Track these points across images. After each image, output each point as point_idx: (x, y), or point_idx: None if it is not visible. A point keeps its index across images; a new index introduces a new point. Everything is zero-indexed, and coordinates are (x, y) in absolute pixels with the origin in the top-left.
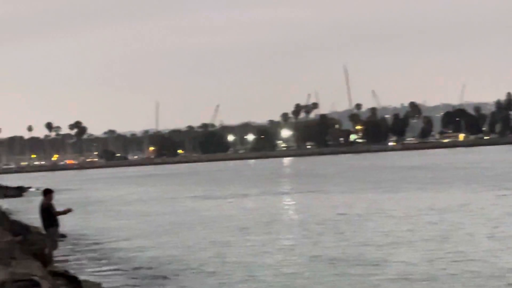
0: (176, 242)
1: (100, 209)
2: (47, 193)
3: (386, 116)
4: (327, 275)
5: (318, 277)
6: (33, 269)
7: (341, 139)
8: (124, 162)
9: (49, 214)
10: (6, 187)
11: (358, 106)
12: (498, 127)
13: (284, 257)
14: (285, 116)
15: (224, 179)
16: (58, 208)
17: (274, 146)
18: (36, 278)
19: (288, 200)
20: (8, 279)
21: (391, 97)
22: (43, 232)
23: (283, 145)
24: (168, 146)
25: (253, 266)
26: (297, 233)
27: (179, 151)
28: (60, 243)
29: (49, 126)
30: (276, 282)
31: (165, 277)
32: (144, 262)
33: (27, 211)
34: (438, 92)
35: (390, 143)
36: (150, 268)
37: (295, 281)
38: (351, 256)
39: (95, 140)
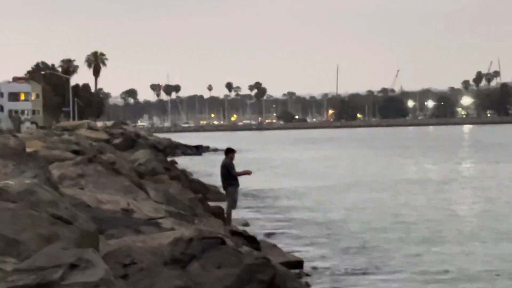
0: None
1: (283, 171)
2: (229, 152)
3: None
4: None
5: None
6: (215, 227)
7: None
8: (303, 124)
9: (229, 173)
10: (186, 146)
11: None
12: None
13: None
14: (466, 83)
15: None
16: (238, 168)
17: (454, 113)
18: (222, 236)
19: None
20: (196, 236)
21: None
22: (223, 191)
23: (463, 112)
24: (347, 110)
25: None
26: None
27: (358, 115)
28: (239, 203)
29: (229, 86)
30: None
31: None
32: (320, 226)
33: (206, 170)
34: None
35: None
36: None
37: None
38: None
39: (274, 101)
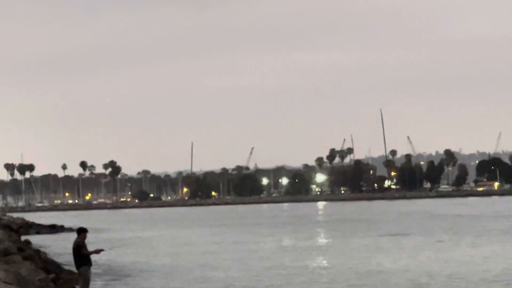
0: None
1: (133, 249)
2: (81, 232)
3: (421, 163)
4: None
5: None
6: None
7: (376, 185)
8: (158, 202)
9: (81, 253)
10: (41, 225)
11: (393, 152)
12: None
13: None
14: (319, 160)
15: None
16: (91, 247)
17: (308, 190)
18: None
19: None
20: None
21: (426, 144)
22: (75, 271)
23: (317, 189)
24: (202, 188)
25: None
26: None
27: (213, 193)
28: (93, 283)
29: (83, 165)
30: None
31: None
32: None
33: (60, 250)
34: (474, 140)
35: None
36: None
37: None
38: None
39: (129, 180)
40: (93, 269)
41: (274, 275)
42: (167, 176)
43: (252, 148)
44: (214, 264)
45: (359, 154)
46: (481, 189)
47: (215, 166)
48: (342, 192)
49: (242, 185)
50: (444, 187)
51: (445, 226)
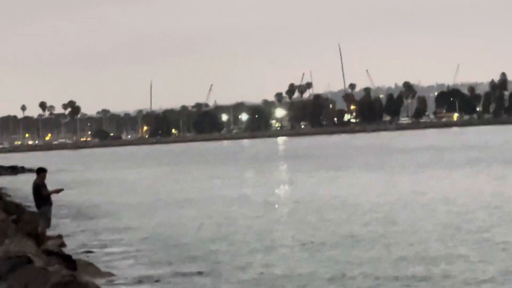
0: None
1: (95, 188)
2: (40, 172)
3: (380, 96)
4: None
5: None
6: (26, 247)
7: (335, 119)
8: (118, 141)
9: (41, 193)
10: (1, 167)
11: (352, 86)
12: (492, 107)
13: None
14: (279, 96)
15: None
16: (52, 188)
17: (268, 126)
18: (29, 255)
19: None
20: (2, 256)
21: (385, 77)
22: (36, 211)
23: (277, 125)
24: (162, 126)
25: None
26: None
27: (173, 130)
28: (54, 221)
29: (42, 105)
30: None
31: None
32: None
33: (21, 191)
34: (432, 72)
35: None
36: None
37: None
38: None
39: (89, 119)
40: (60, 210)
41: (239, 207)
42: (127, 114)
43: (211, 85)
44: (182, 203)
45: (319, 88)
46: (440, 121)
47: (175, 103)
48: (302, 127)
49: (202, 122)
50: (403, 119)
51: (406, 158)
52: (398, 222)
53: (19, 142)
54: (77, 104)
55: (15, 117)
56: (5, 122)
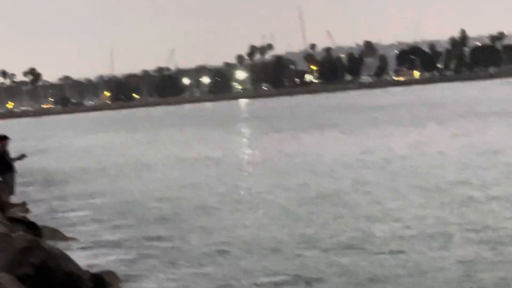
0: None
1: (59, 155)
2: (2, 139)
3: (341, 55)
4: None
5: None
6: None
7: (297, 79)
8: (80, 108)
9: (4, 160)
10: None
11: (313, 46)
12: (453, 64)
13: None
14: (240, 58)
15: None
16: (13, 155)
17: (230, 88)
18: None
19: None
20: None
21: (346, 36)
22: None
23: (239, 87)
24: (124, 91)
25: None
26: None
27: (135, 95)
28: (18, 188)
29: (3, 73)
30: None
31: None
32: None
33: None
34: (392, 30)
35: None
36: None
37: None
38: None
39: (50, 86)
40: (24, 177)
41: (204, 169)
42: (88, 80)
43: (173, 49)
44: (147, 167)
45: (279, 49)
46: (402, 78)
47: (136, 68)
48: (264, 88)
49: (164, 86)
50: (365, 78)
51: (369, 116)
52: (368, 181)
53: None
54: (38, 71)
55: None
56: None
